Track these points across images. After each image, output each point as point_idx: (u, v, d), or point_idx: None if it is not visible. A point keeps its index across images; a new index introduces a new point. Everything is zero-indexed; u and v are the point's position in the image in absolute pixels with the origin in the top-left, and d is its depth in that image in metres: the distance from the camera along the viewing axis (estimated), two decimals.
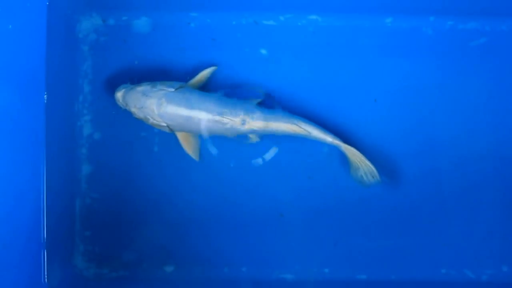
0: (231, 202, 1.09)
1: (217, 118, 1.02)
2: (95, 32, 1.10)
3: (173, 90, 1.02)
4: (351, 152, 1.05)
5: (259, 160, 1.09)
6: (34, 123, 1.01)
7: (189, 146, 1.07)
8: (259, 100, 1.07)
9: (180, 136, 1.06)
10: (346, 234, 1.09)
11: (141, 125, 1.09)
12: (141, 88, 1.03)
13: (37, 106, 1.01)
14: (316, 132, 1.04)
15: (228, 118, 1.02)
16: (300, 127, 1.04)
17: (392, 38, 1.11)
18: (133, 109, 1.04)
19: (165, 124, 1.03)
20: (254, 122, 1.03)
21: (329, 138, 1.05)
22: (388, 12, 1.10)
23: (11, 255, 0.93)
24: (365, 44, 1.11)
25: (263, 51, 1.10)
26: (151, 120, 1.03)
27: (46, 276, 1.01)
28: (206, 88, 1.09)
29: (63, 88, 1.08)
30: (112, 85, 1.09)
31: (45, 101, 1.02)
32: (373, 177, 1.05)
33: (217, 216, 1.10)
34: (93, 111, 1.10)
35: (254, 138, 1.06)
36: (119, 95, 1.05)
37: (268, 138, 1.08)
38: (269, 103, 1.08)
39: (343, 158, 1.08)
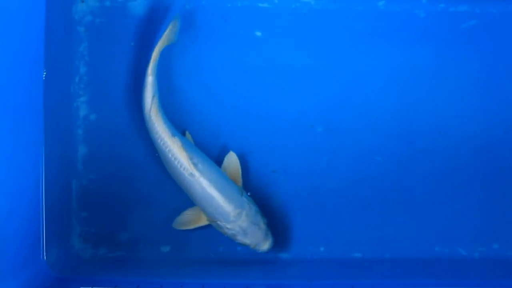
0: None
1: (189, 171, 1.02)
2: (91, 13, 1.11)
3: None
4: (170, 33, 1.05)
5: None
6: (33, 103, 1.01)
7: None
8: None
9: None
10: (341, 213, 1.11)
11: (137, 106, 1.10)
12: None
13: (35, 85, 1.01)
14: None
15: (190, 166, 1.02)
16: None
17: (384, 21, 1.12)
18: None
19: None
20: None
21: None
22: None
23: (11, 233, 0.94)
24: (358, 27, 1.12)
25: (258, 33, 1.11)
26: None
27: (45, 254, 1.01)
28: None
29: (60, 69, 1.08)
30: (108, 66, 1.10)
31: (43, 80, 1.02)
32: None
33: None
34: (89, 92, 1.10)
35: None
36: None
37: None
38: None
39: (339, 138, 1.10)
